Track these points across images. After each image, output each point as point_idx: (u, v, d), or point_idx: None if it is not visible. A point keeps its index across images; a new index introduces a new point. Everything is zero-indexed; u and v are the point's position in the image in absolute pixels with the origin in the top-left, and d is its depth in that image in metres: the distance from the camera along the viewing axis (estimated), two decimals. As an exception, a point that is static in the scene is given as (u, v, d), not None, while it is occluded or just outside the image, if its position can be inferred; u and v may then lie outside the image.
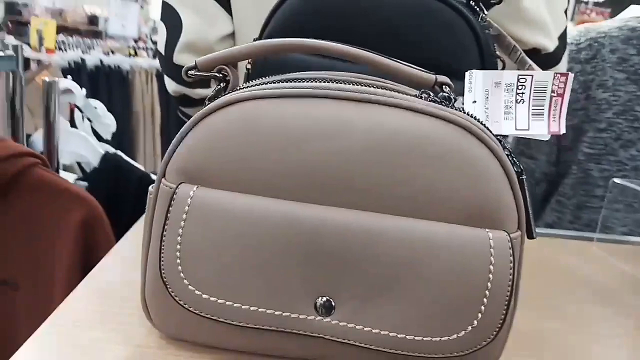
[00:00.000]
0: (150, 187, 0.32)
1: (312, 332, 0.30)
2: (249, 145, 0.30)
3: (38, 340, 0.32)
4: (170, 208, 0.30)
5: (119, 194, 0.76)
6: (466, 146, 0.29)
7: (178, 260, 0.30)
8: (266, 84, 0.31)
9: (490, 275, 0.28)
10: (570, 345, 0.38)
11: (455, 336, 0.28)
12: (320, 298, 0.29)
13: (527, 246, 0.58)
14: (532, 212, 0.32)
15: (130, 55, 2.70)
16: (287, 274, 0.29)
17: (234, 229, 0.29)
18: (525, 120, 0.32)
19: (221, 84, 0.33)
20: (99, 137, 1.04)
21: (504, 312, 0.29)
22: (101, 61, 2.28)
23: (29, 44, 2.51)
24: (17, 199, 0.61)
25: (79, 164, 0.97)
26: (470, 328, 0.28)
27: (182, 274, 0.29)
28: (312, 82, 0.31)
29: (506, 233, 0.29)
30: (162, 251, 0.30)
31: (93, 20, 5.25)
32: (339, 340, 0.30)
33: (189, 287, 0.29)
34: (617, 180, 0.62)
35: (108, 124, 0.98)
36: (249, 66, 0.49)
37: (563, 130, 0.32)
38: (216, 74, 0.33)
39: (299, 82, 0.31)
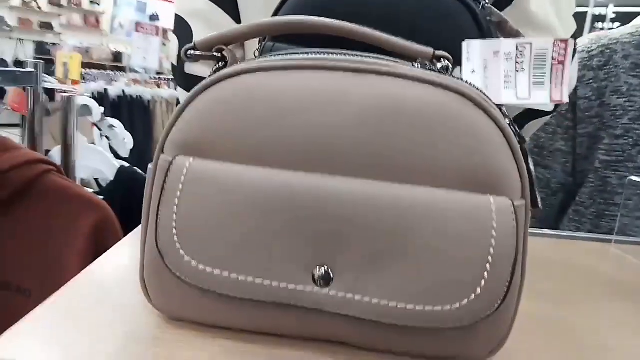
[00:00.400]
0: (149, 165, 0.33)
1: (311, 305, 0.29)
2: (245, 116, 0.30)
3: (37, 318, 0.32)
4: (166, 179, 0.30)
5: (134, 203, 0.77)
6: (466, 113, 0.29)
7: (174, 232, 0.29)
8: (262, 57, 0.32)
9: (493, 241, 0.27)
10: (584, 333, 0.37)
11: (457, 304, 0.27)
12: (318, 268, 0.29)
13: (543, 247, 0.57)
14: (536, 185, 0.31)
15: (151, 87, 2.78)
16: (284, 244, 0.29)
17: (230, 199, 0.29)
18: (526, 89, 0.31)
19: (220, 64, 0.33)
20: (118, 157, 1.06)
21: (509, 281, 0.28)
22: (123, 91, 2.36)
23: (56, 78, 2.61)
24: (31, 205, 0.62)
25: (96, 180, 0.99)
26: (473, 296, 0.27)
27: (178, 245, 0.29)
28: (307, 54, 0.31)
29: (509, 199, 0.28)
30: (159, 223, 0.30)
31: (117, 56, 5.47)
32: (337, 313, 0.29)
33: (185, 258, 0.29)
34: (634, 177, 0.60)
35: (125, 141, 1.00)
36: (257, 53, 0.50)
37: (566, 99, 0.31)
38: (215, 53, 0.34)
39: (294, 54, 0.31)
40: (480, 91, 0.30)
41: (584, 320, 0.39)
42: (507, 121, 0.30)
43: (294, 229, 0.29)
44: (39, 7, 7.36)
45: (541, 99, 0.31)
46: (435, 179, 0.29)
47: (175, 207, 0.29)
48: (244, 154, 0.30)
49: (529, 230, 0.30)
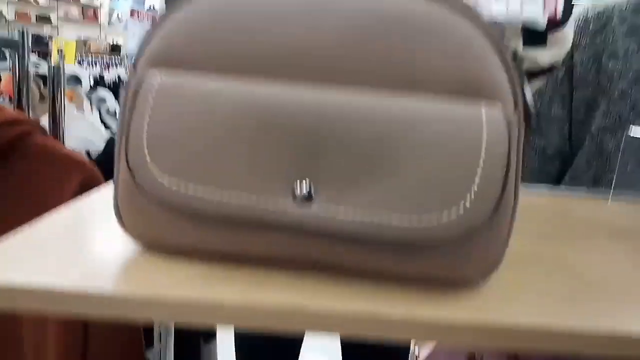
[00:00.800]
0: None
1: (290, 222, 0.27)
2: (220, 27, 0.29)
3: (10, 243, 0.31)
4: (137, 95, 0.29)
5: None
6: (456, 23, 0.28)
7: (145, 148, 0.28)
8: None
9: (484, 149, 0.26)
10: (583, 269, 0.35)
11: (446, 214, 0.26)
12: (298, 182, 0.27)
13: (541, 200, 0.56)
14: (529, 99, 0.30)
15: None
16: (262, 156, 0.27)
17: (204, 109, 0.28)
18: (517, 3, 0.30)
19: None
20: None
21: (500, 192, 0.26)
22: (119, 77, 2.33)
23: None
24: (14, 166, 0.61)
25: (87, 154, 0.97)
26: (462, 206, 0.26)
27: (148, 159, 0.28)
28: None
29: (500, 107, 0.27)
30: (129, 141, 0.29)
31: (115, 48, 5.45)
32: (319, 232, 0.27)
33: (154, 171, 0.28)
34: (633, 132, 0.59)
35: (115, 113, 0.99)
36: None
37: (560, 14, 0.30)
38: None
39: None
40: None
41: (584, 257, 0.38)
42: (498, 36, 0.29)
43: (272, 140, 0.27)
44: (36, 1, 7.33)
45: (534, 11, 0.30)
46: (424, 88, 0.28)
47: (146, 123, 0.28)
48: (219, 63, 0.29)
49: (527, 187, 0.28)
